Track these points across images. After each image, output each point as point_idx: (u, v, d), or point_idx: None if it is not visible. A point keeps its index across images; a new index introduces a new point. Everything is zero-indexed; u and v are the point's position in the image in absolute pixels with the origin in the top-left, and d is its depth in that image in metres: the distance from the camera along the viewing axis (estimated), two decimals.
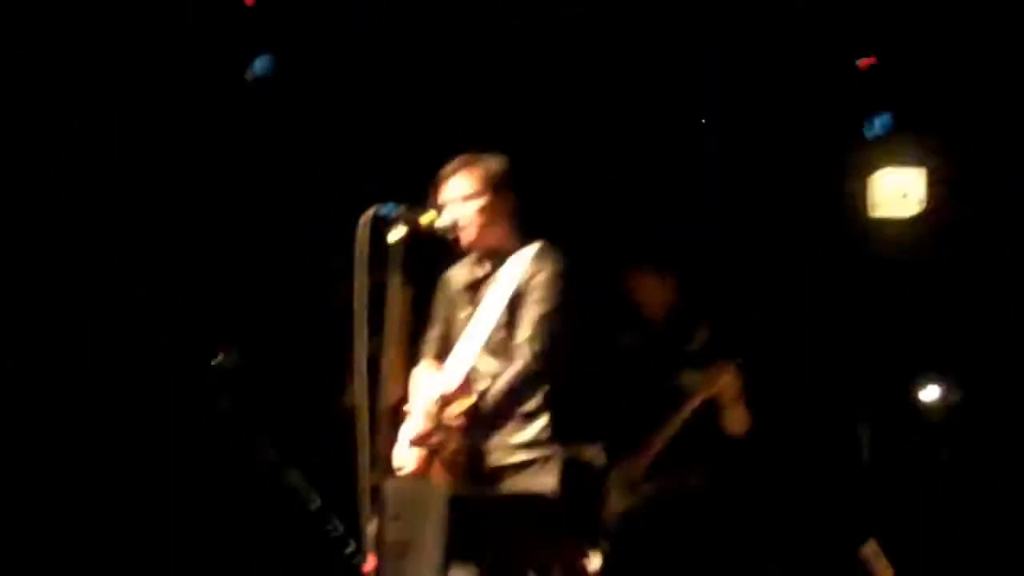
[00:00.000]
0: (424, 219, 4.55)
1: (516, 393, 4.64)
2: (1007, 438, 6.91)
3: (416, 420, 4.60)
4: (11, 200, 6.42)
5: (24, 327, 6.43)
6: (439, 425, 4.54)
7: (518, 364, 4.63)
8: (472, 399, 4.65)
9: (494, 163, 4.84)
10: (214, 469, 6.33)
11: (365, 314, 4.33)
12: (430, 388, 4.66)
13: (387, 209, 4.45)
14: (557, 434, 4.74)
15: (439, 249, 4.78)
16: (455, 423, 4.55)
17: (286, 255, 6.62)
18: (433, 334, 4.98)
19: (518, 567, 4.71)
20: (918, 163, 7.05)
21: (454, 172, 4.81)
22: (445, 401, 4.57)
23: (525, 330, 4.67)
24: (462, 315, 4.87)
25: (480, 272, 4.88)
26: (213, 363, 6.28)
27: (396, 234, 4.45)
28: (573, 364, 4.78)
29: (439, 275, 4.99)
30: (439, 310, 4.99)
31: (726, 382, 5.64)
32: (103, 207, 6.51)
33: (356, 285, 4.33)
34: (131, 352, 6.53)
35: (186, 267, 6.63)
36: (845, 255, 7.07)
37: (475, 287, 4.87)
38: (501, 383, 4.61)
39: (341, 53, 6.75)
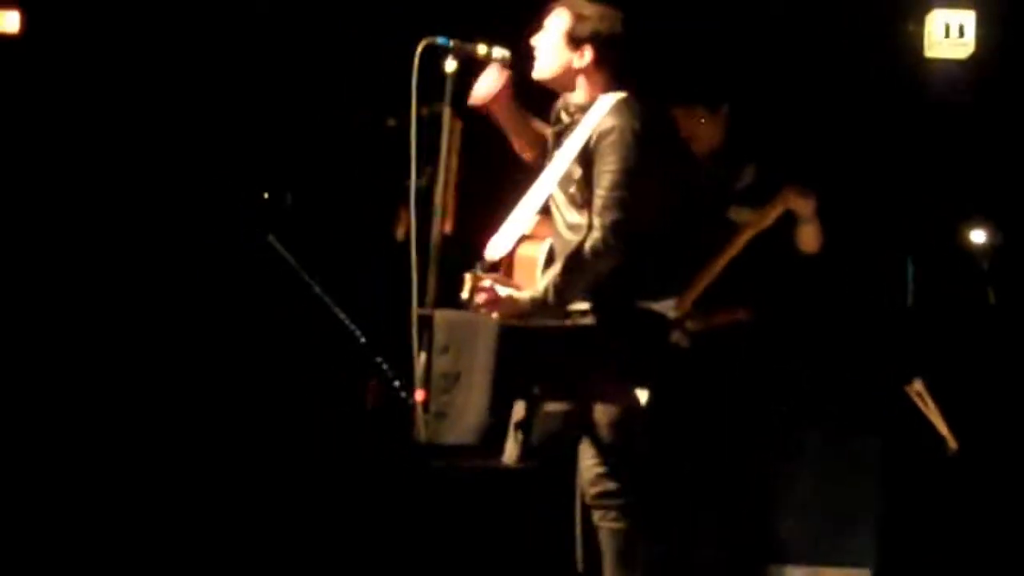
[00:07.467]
0: (480, 50, 4.55)
1: (591, 268, 4.64)
2: None
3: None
4: None
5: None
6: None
7: (591, 239, 4.62)
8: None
9: (596, 13, 4.75)
10: (263, 306, 6.38)
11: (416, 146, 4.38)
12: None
13: (442, 40, 4.47)
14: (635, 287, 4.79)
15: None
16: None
17: (338, 89, 6.60)
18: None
19: (568, 396, 4.77)
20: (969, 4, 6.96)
21: (553, 8, 4.77)
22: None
23: (597, 200, 4.64)
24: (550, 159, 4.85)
25: (563, 120, 4.85)
26: (264, 197, 6.31)
27: (450, 65, 4.48)
28: (654, 222, 4.77)
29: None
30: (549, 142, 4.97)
31: (800, 202, 5.58)
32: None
33: (409, 116, 4.36)
34: (181, 194, 6.56)
35: (235, 105, 6.62)
36: (899, 96, 7.00)
37: (559, 135, 4.85)
38: (572, 261, 4.65)
39: None
